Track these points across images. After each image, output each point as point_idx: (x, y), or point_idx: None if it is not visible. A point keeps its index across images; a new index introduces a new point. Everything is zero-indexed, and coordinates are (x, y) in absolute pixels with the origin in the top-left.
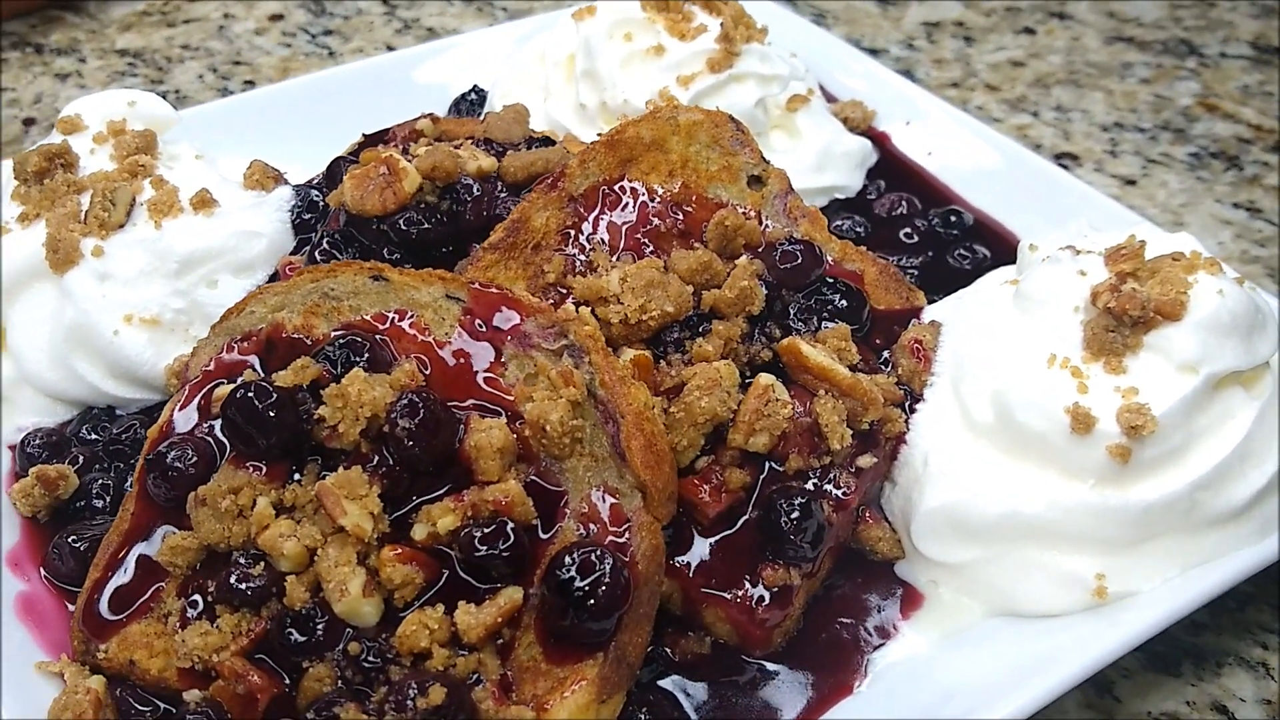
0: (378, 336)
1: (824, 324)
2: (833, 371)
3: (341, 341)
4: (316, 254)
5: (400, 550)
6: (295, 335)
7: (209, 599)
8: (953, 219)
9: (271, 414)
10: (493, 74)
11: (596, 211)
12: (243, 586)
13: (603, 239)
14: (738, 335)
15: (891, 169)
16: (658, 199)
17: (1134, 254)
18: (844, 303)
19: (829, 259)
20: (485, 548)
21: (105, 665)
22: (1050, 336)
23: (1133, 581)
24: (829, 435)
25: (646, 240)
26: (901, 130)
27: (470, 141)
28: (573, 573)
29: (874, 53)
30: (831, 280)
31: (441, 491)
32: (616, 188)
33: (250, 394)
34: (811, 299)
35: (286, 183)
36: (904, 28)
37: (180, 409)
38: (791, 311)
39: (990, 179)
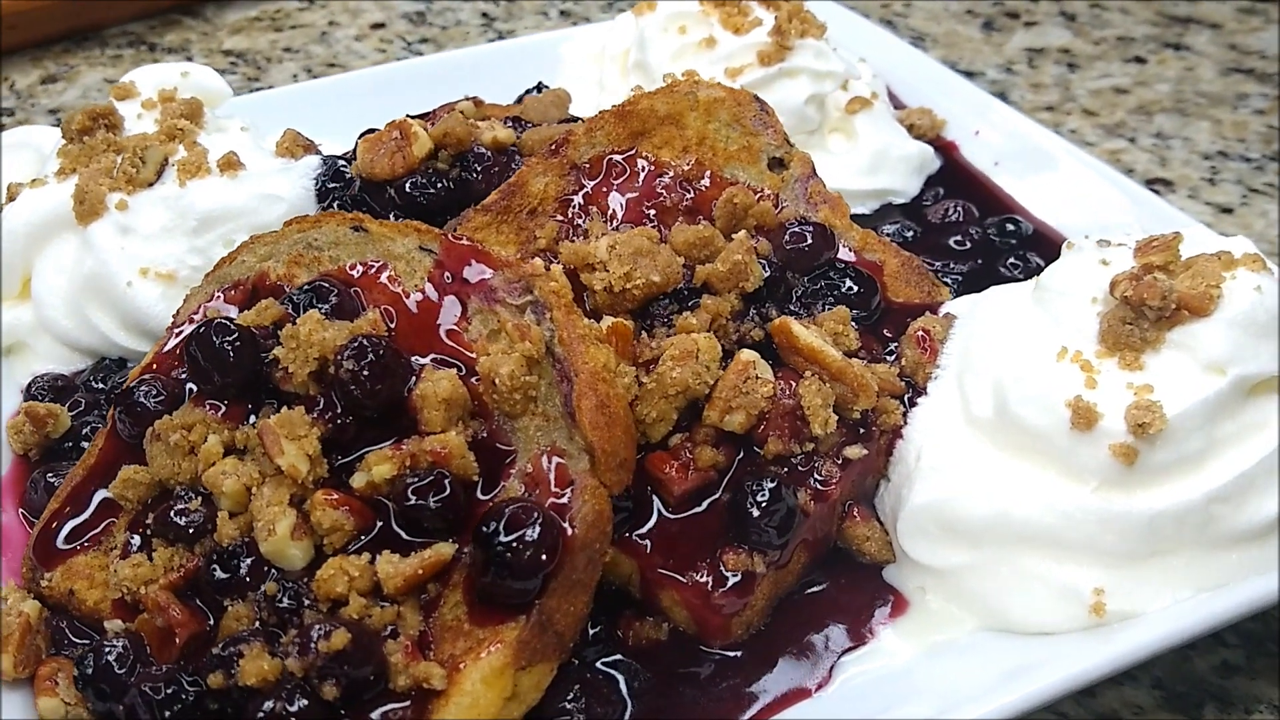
0: (352, 286)
1: (828, 309)
2: (822, 353)
3: (309, 287)
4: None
5: (334, 495)
6: (278, 284)
7: (148, 533)
8: (1009, 228)
9: (228, 350)
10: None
11: (599, 181)
12: (179, 521)
13: (603, 209)
14: (728, 312)
15: (955, 177)
16: (668, 174)
17: (1166, 246)
18: (852, 288)
19: (848, 246)
20: (417, 499)
21: (47, 594)
22: (1064, 328)
23: (1137, 600)
24: (811, 419)
25: (651, 215)
26: (970, 140)
27: (501, 120)
28: (498, 528)
29: (970, 75)
30: (841, 265)
31: (389, 442)
32: (624, 159)
33: (210, 330)
34: (818, 282)
35: (319, 152)
36: (1005, 53)
37: (162, 352)
38: (795, 294)
39: (1057, 191)
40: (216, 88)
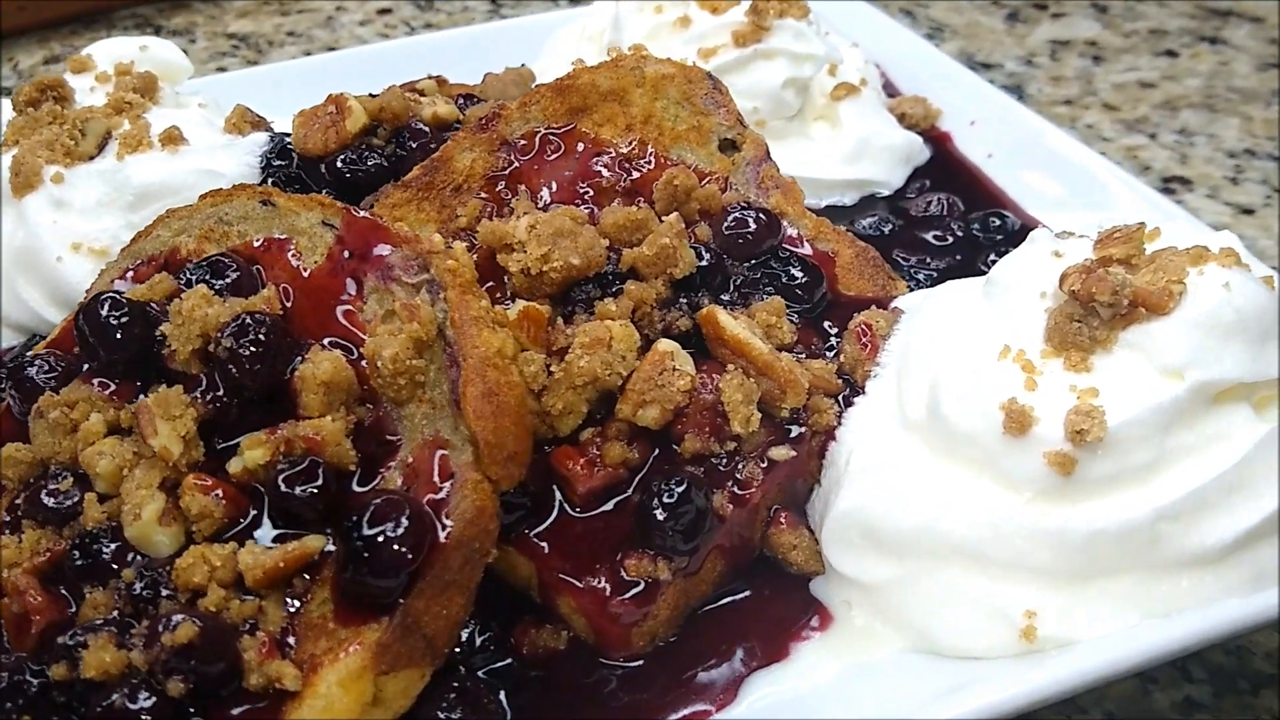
0: (254, 262)
1: (766, 299)
2: (749, 346)
3: (205, 262)
4: None
5: (206, 480)
6: (188, 259)
7: (20, 514)
8: (994, 222)
9: (115, 325)
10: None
11: (531, 159)
12: (48, 502)
13: (533, 188)
14: (652, 299)
15: (945, 169)
16: (608, 154)
17: (1129, 237)
18: (793, 278)
19: (799, 235)
20: (287, 487)
21: None
22: (1010, 325)
23: (1073, 625)
24: (731, 416)
25: (587, 196)
26: (965, 131)
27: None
28: (362, 523)
29: (987, 67)
30: (785, 254)
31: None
32: (560, 136)
33: (98, 305)
34: (758, 271)
35: (269, 129)
36: (1027, 45)
37: (66, 327)
38: (735, 283)
39: (1052, 186)
40: (176, 63)
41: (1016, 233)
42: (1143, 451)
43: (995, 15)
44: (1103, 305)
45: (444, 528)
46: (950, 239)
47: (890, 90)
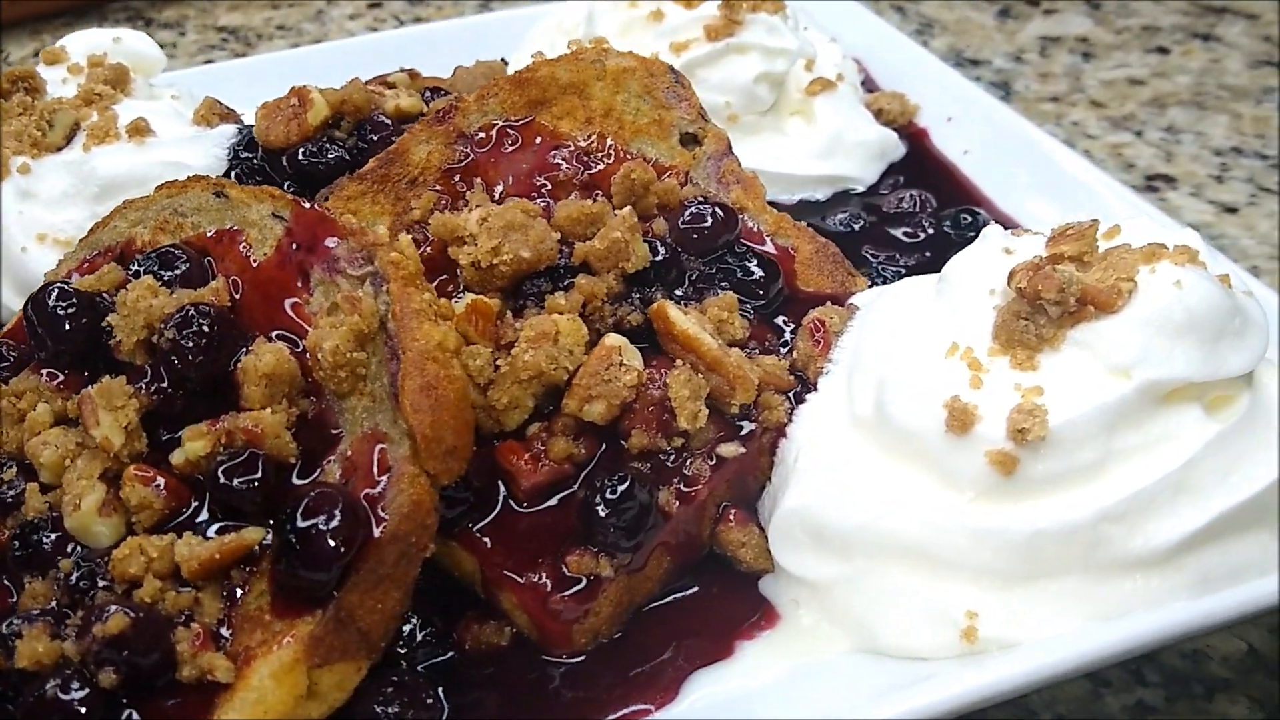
0: (206, 253)
1: (721, 294)
2: (698, 341)
3: (155, 253)
4: None
5: (147, 471)
6: (143, 250)
7: None
8: (966, 219)
9: (62, 316)
10: None
11: (488, 152)
12: None
13: (489, 182)
14: (603, 293)
15: (922, 165)
16: (566, 147)
17: (1081, 234)
18: (749, 274)
19: (759, 230)
20: (226, 479)
21: None
22: (959, 323)
23: (1015, 626)
24: (677, 412)
25: (545, 190)
26: (943, 127)
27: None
28: (295, 516)
29: (975, 63)
30: (742, 249)
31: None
32: (518, 129)
33: (45, 295)
34: (713, 266)
35: (239, 121)
36: (1017, 41)
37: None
38: (690, 277)
39: (1025, 182)
40: (149, 55)
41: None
42: (1087, 451)
43: (986, 11)
44: (1050, 303)
45: (378, 522)
46: (921, 236)
47: (870, 86)
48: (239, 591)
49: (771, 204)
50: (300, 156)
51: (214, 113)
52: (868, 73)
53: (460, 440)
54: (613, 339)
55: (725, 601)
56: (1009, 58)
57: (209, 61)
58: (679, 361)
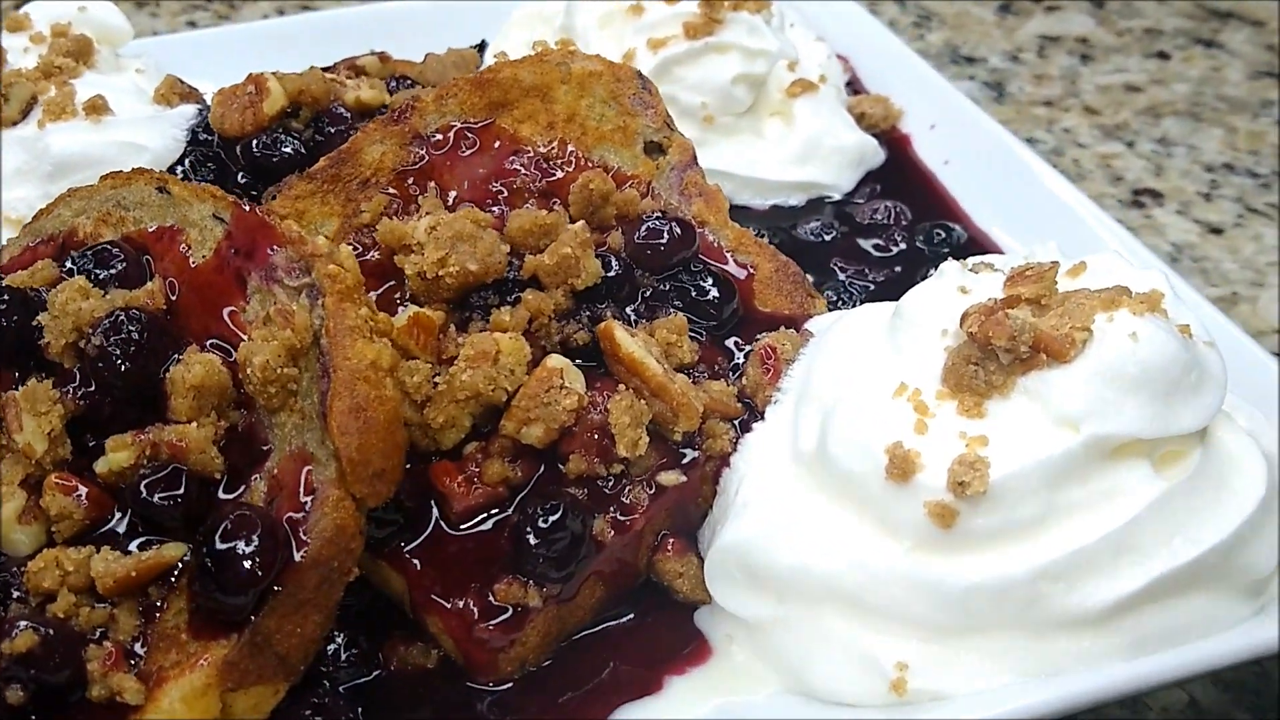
0: (146, 252)
1: (673, 314)
2: (643, 366)
3: (91, 250)
4: (176, 171)
5: (68, 480)
6: (84, 242)
7: None
8: (940, 234)
9: None
10: None
11: (444, 154)
12: None
13: (444, 186)
14: (550, 310)
15: (901, 174)
16: (526, 153)
17: (1040, 276)
18: (704, 293)
19: (718, 246)
20: (147, 493)
21: None
22: (909, 362)
23: (944, 680)
24: (617, 438)
25: (500, 197)
26: (926, 134)
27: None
28: (215, 537)
29: (970, 61)
30: (698, 266)
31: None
32: (477, 132)
33: None
34: (668, 284)
35: (201, 101)
36: (1015, 39)
37: None
38: (643, 295)
39: (1003, 197)
40: (116, 25)
41: (963, 246)
42: (1028, 506)
43: (987, 6)
44: (1001, 350)
45: (300, 546)
46: (893, 250)
47: (856, 87)
48: (158, 608)
49: (743, 209)
50: (254, 148)
51: (174, 92)
52: (855, 72)
53: (389, 463)
54: (554, 360)
55: (659, 632)
56: (1005, 56)
57: (191, 24)
58: (622, 386)
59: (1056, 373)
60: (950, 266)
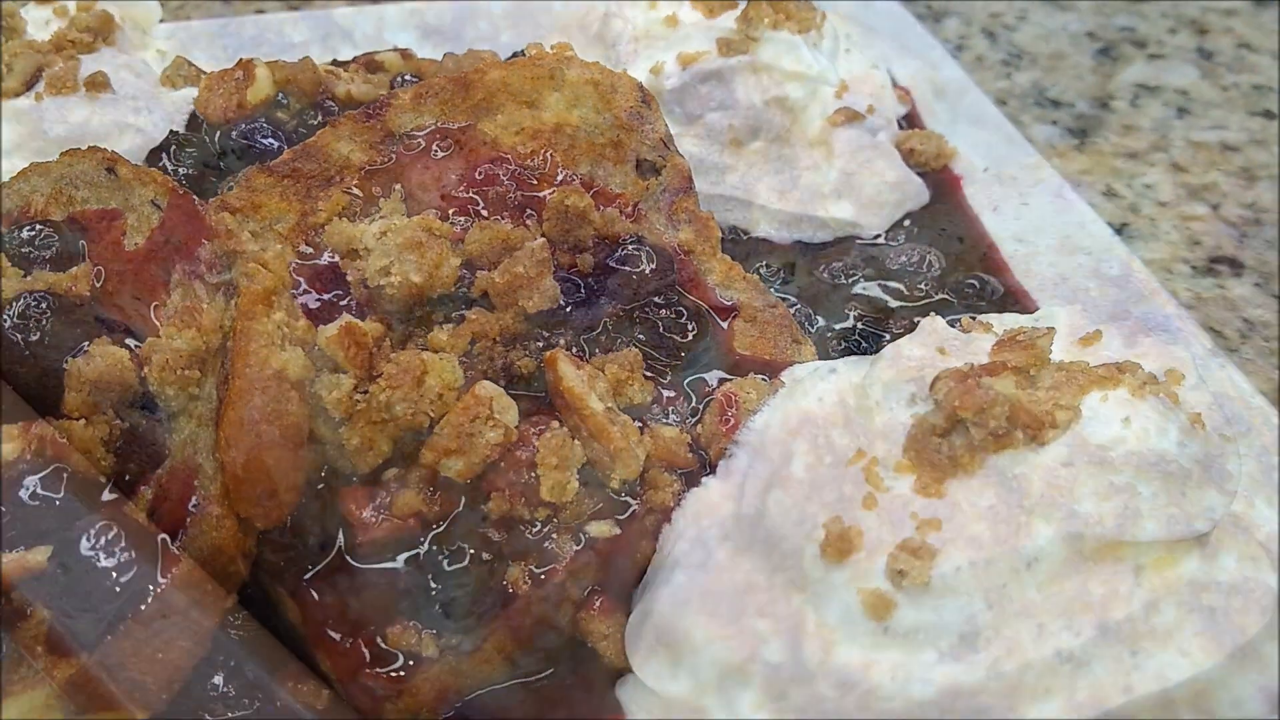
0: (85, 233)
1: (634, 347)
2: (583, 403)
3: (31, 230)
4: (162, 156)
5: None
6: (34, 218)
7: None
8: (972, 285)
9: None
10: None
11: (416, 156)
12: None
13: (410, 191)
14: (496, 332)
15: (946, 217)
16: (507, 162)
17: (1031, 344)
18: (674, 328)
19: (703, 279)
20: (25, 491)
21: None
22: (872, 427)
23: None
24: (541, 480)
25: (471, 208)
26: (977, 177)
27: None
28: (76, 546)
29: (1055, 105)
30: (670, 298)
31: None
32: (454, 136)
33: None
34: (636, 314)
35: None
36: (1109, 85)
37: None
38: (605, 325)
39: (1050, 252)
40: (144, 4)
41: (997, 300)
42: (975, 606)
43: (1085, 48)
44: (970, 422)
45: (170, 564)
46: (917, 299)
47: (914, 122)
48: (19, 619)
49: (762, 241)
50: (234, 136)
51: (180, 75)
52: (914, 106)
53: (285, 483)
54: (484, 388)
55: (575, 698)
56: (1095, 103)
57: (260, 11)
58: (555, 423)
59: (1031, 455)
60: (932, 324)
